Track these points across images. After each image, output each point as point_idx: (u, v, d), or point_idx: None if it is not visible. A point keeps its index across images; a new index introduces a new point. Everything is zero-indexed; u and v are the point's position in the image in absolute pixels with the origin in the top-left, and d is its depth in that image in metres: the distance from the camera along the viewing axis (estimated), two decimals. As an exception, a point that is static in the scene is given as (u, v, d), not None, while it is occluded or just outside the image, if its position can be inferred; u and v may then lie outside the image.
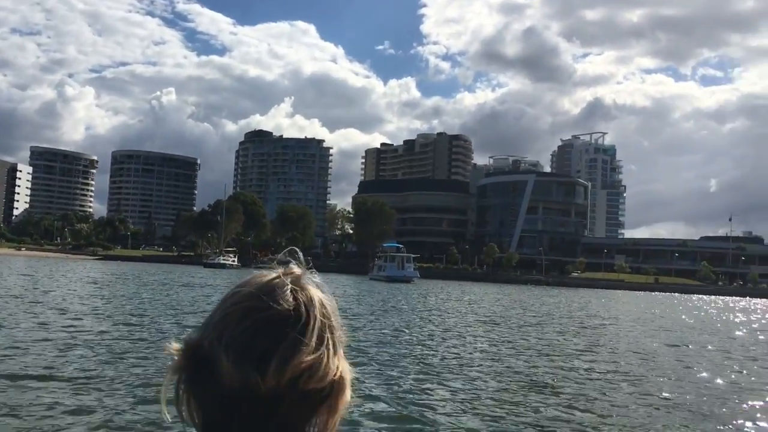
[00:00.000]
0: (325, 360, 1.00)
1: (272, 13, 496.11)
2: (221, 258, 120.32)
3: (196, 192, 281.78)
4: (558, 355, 18.85)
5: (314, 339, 1.00)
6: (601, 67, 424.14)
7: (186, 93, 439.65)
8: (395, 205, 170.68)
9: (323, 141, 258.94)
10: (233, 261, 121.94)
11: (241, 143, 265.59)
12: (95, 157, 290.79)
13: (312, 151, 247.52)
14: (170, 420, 1.07)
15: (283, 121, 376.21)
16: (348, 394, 1.05)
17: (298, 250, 1.14)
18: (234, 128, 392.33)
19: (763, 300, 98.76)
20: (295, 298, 1.03)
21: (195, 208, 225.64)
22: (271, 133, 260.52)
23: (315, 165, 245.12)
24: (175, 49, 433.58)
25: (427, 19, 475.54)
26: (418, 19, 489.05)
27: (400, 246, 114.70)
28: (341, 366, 1.04)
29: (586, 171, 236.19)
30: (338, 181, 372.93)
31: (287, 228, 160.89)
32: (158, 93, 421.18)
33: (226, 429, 0.99)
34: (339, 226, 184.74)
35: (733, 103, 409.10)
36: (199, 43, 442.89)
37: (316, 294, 1.06)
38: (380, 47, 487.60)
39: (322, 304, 1.06)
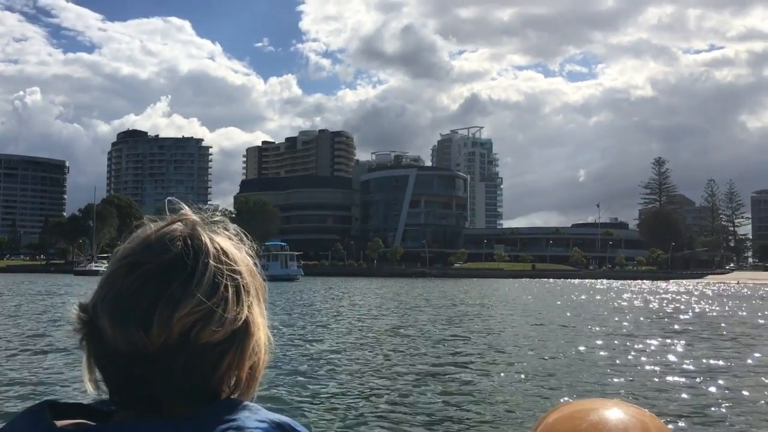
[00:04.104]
0: (220, 309, 0.94)
1: (144, 9, 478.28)
2: (93, 264, 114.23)
3: (65, 196, 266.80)
4: (416, 342, 18.82)
5: (204, 288, 0.93)
6: (476, 64, 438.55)
7: (52, 92, 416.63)
8: (278, 204, 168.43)
9: (202, 140, 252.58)
10: (106, 267, 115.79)
11: (113, 144, 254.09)
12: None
13: (190, 151, 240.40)
14: (92, 390, 0.98)
15: (160, 121, 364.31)
16: (259, 340, 1.00)
17: (178, 200, 1.05)
18: (107, 129, 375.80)
19: (631, 281, 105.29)
20: (184, 246, 0.96)
21: (65, 214, 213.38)
22: (146, 132, 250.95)
23: (194, 165, 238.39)
24: (39, 46, 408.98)
25: (306, 16, 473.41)
26: (296, 16, 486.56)
27: (284, 244, 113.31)
28: (246, 313, 0.97)
29: (465, 164, 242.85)
30: (220, 181, 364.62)
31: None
32: (21, 93, 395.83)
33: (128, 392, 0.94)
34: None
35: (597, 97, 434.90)
36: (65, 39, 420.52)
37: (213, 240, 0.99)
38: (259, 44, 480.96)
39: (220, 250, 0.98)
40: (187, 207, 1.05)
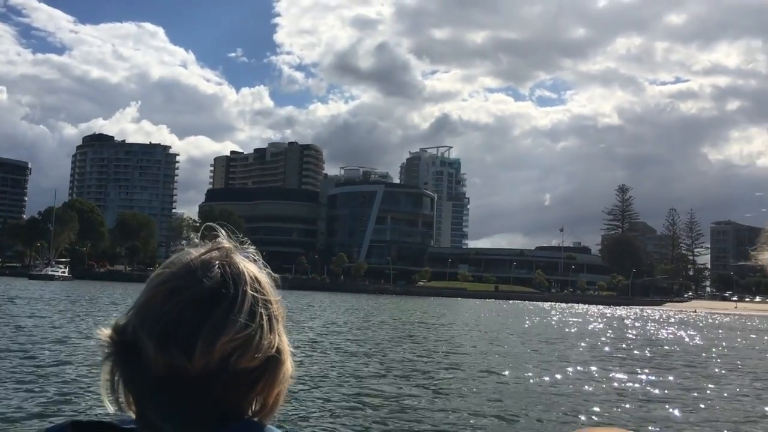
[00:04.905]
0: (257, 337, 0.97)
1: (117, 13, 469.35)
2: (49, 269, 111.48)
3: (26, 198, 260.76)
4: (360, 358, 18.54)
5: (244, 315, 0.97)
6: (448, 84, 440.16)
7: (19, 92, 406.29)
8: (244, 214, 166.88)
9: (169, 147, 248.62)
10: (63, 272, 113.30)
11: (78, 147, 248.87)
12: None
13: (157, 158, 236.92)
14: (113, 410, 1.01)
15: (129, 126, 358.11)
16: (287, 368, 1.04)
17: (218, 227, 1.08)
18: (74, 132, 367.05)
19: (590, 306, 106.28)
20: (224, 274, 0.99)
21: (25, 216, 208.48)
22: (113, 137, 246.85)
23: (160, 172, 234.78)
24: (7, 45, 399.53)
25: (281, 29, 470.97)
26: (271, 28, 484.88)
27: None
28: (277, 341, 1.02)
29: (433, 183, 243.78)
30: (186, 190, 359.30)
31: (127, 237, 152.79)
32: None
33: (160, 414, 0.95)
34: (184, 236, 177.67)
35: (565, 123, 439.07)
36: (35, 39, 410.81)
37: (247, 268, 1.03)
38: (232, 54, 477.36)
39: (255, 279, 1.02)
40: (223, 232, 1.08)
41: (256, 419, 1.03)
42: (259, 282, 1.02)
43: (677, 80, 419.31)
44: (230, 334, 0.94)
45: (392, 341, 25.82)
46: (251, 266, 1.04)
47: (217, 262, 1.00)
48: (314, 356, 19.28)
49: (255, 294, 1.00)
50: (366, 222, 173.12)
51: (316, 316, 40.24)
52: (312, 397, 12.44)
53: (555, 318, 57.03)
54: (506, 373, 17.35)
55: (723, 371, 20.43)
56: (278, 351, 1.01)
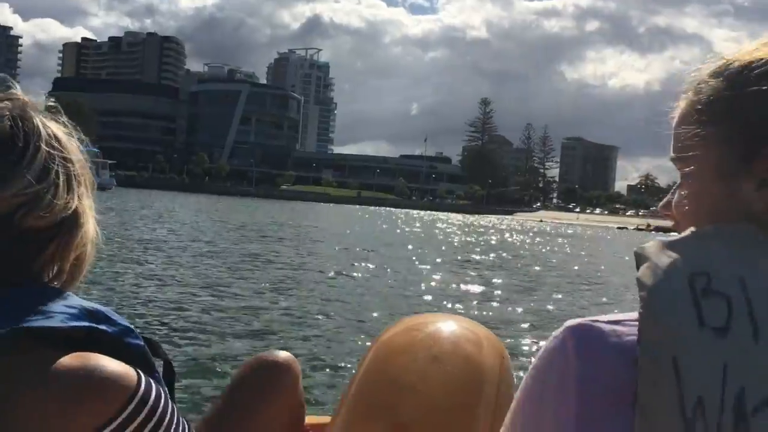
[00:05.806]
0: (49, 195, 0.87)
1: None
2: None
3: None
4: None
5: (34, 171, 0.86)
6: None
7: None
8: (97, 108, 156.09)
9: (11, 28, 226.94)
10: None
11: None
12: None
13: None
14: None
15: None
16: (88, 231, 0.95)
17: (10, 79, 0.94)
18: None
19: (447, 213, 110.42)
20: (13, 126, 0.87)
21: None
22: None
23: (0, 56, 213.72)
24: None
25: None
26: None
27: (97, 151, 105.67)
28: (76, 203, 0.92)
29: (301, 86, 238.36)
30: (31, 77, 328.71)
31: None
32: None
33: None
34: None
35: (435, 33, 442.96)
36: None
37: (44, 124, 0.91)
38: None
39: (53, 136, 0.91)
40: (18, 87, 0.95)
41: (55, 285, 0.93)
42: (58, 140, 0.92)
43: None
44: (15, 188, 0.84)
45: (237, 242, 25.29)
46: (52, 124, 0.93)
47: (7, 113, 0.88)
48: (153, 254, 18.42)
49: (50, 150, 0.89)
50: (229, 122, 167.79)
51: (162, 217, 38.75)
52: (138, 293, 11.78)
53: (411, 224, 58.62)
54: (356, 273, 17.42)
55: (556, 275, 21.71)
56: (75, 213, 0.92)
